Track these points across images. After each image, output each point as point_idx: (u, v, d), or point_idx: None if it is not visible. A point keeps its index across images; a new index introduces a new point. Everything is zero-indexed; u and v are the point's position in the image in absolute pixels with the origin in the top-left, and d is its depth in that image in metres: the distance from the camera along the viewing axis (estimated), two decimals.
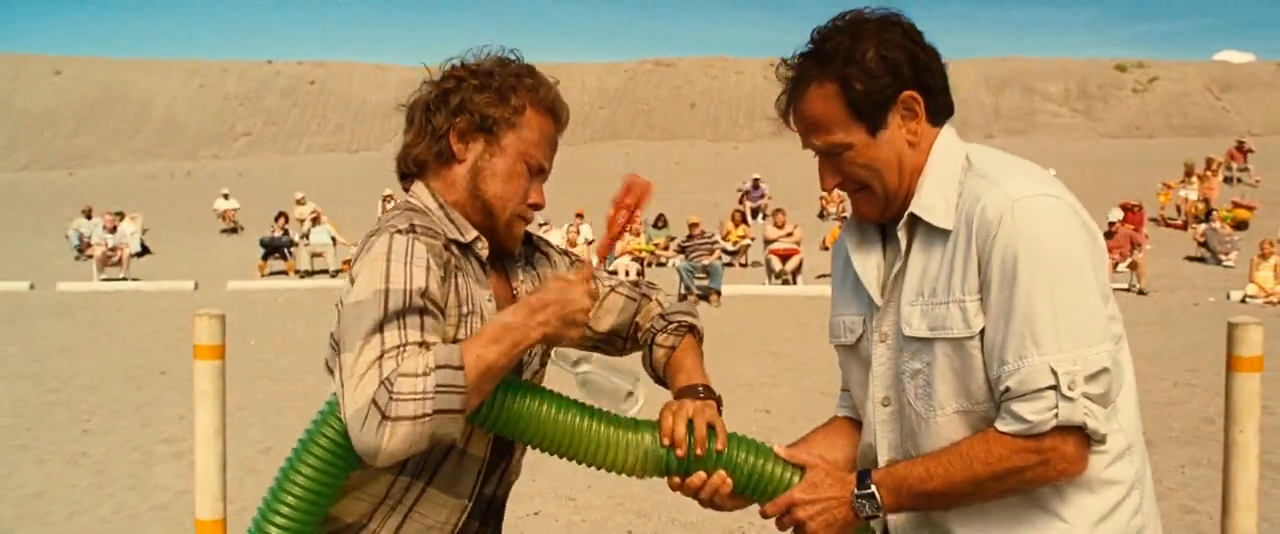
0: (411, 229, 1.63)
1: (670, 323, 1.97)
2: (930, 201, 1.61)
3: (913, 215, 1.63)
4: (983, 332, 1.53)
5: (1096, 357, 1.47)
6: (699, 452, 1.67)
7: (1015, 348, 1.49)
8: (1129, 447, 1.59)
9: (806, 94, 1.65)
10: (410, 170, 1.83)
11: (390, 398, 1.45)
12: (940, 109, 1.67)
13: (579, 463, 1.69)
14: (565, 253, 2.06)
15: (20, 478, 5.79)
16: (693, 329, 1.99)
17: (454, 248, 1.73)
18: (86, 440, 6.66)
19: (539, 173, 1.83)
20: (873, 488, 1.61)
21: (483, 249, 1.78)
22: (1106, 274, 1.57)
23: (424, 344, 1.52)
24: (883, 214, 1.70)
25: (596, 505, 5.14)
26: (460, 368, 1.50)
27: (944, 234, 1.59)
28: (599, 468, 1.70)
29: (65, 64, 53.36)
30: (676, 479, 1.69)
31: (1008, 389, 1.49)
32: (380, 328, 1.51)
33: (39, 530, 4.94)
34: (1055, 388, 1.46)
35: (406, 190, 1.83)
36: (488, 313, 1.72)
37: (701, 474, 1.67)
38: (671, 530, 4.96)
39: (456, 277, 1.70)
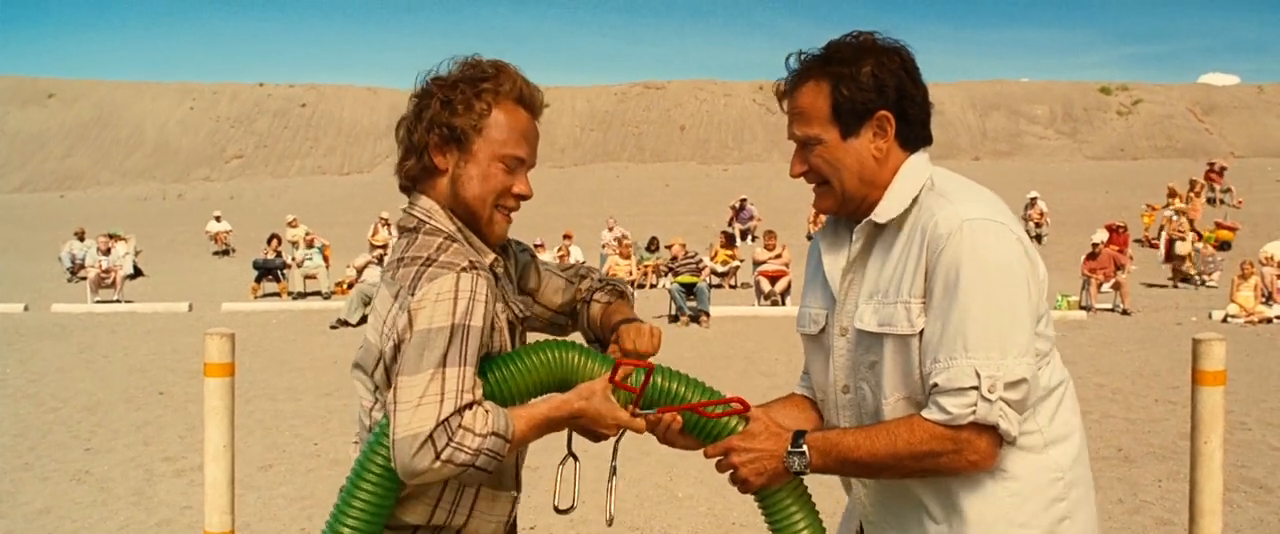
0: (472, 266, 1.78)
1: (606, 285, 2.20)
2: (888, 211, 1.82)
3: (872, 222, 1.84)
4: (923, 331, 1.73)
5: (1017, 367, 1.67)
6: (646, 351, 1.90)
7: (947, 349, 1.68)
8: (1047, 444, 1.79)
9: (802, 86, 1.86)
10: (407, 185, 1.95)
11: (449, 442, 1.67)
12: (915, 138, 1.87)
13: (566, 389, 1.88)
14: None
15: (26, 495, 5.90)
16: (624, 294, 2.21)
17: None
18: (89, 459, 6.76)
19: (519, 165, 1.92)
20: (805, 447, 1.81)
21: (498, 266, 1.95)
22: (1043, 298, 1.77)
23: (481, 402, 1.73)
24: (838, 211, 1.91)
25: (591, 520, 5.27)
26: (508, 441, 1.74)
27: (898, 241, 1.80)
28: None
29: (58, 86, 53.46)
30: (634, 408, 1.87)
31: (936, 384, 1.70)
32: (444, 362, 1.70)
33: None
34: (977, 388, 1.66)
35: (411, 204, 1.94)
36: (501, 323, 1.88)
37: (653, 413, 1.87)
38: None
39: (498, 299, 1.86)
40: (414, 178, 1.93)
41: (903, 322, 1.74)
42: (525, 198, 1.95)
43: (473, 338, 1.73)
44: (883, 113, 1.81)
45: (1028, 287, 1.71)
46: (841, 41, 1.86)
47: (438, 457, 1.66)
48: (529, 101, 1.94)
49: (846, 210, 1.89)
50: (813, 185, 1.91)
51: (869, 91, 1.80)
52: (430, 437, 1.66)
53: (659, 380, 1.88)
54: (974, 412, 1.66)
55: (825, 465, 1.81)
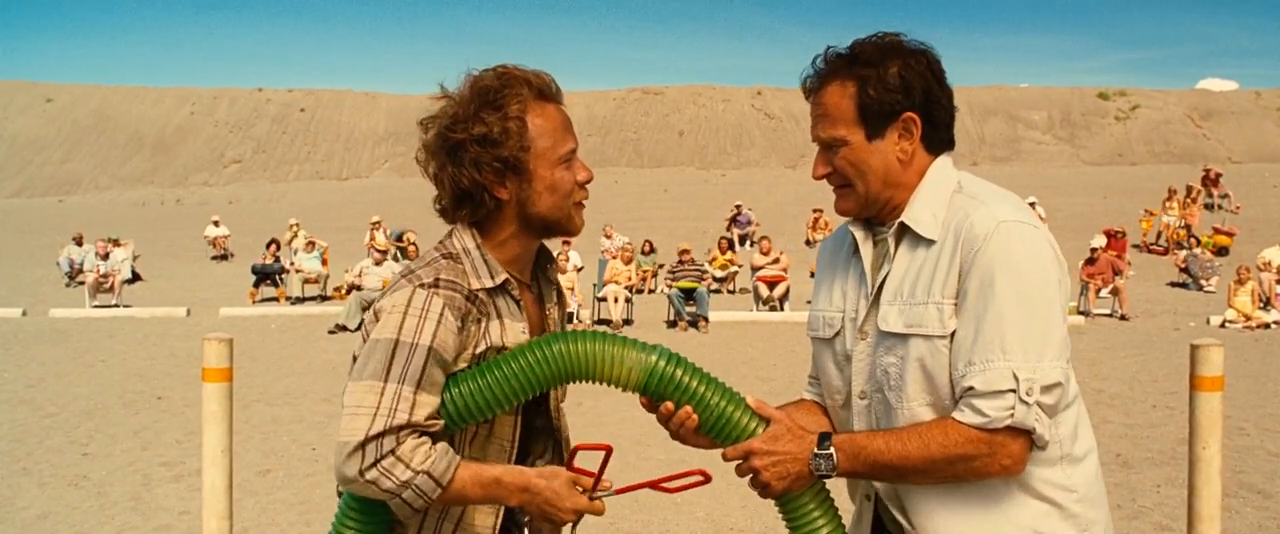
0: (434, 283, 1.75)
1: None
2: (919, 215, 1.79)
3: (902, 225, 1.81)
4: (953, 333, 1.70)
5: (1054, 370, 1.65)
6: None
7: (983, 351, 1.65)
8: (1062, 457, 1.76)
9: (828, 86, 1.83)
10: (461, 221, 1.88)
11: (377, 462, 1.65)
12: (939, 141, 1.86)
13: (582, 381, 1.82)
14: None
15: (24, 500, 5.89)
16: None
17: (482, 294, 1.82)
18: (86, 464, 6.75)
19: (572, 155, 1.89)
20: (831, 450, 1.75)
21: (514, 288, 1.88)
22: (1068, 304, 1.76)
23: (431, 431, 1.70)
24: (859, 213, 1.89)
25: (587, 525, 5.27)
26: (442, 487, 1.68)
27: (928, 243, 1.77)
28: (597, 383, 1.82)
29: (56, 91, 53.43)
30: (646, 400, 1.83)
31: (971, 387, 1.66)
32: (385, 376, 1.68)
33: None
34: (1015, 391, 1.63)
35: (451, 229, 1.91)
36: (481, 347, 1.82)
37: (670, 404, 1.81)
38: None
39: (481, 323, 1.81)
40: (474, 221, 1.88)
41: (934, 323, 1.71)
42: (589, 180, 1.93)
43: (418, 356, 1.69)
44: (909, 114, 1.80)
45: (1059, 292, 1.70)
46: (867, 41, 1.83)
47: (361, 473, 1.65)
48: (548, 92, 1.90)
49: (867, 213, 1.87)
50: (834, 187, 1.88)
51: (896, 92, 1.78)
52: (360, 448, 1.65)
53: (668, 368, 1.79)
54: (1011, 415, 1.64)
55: (853, 469, 1.75)
